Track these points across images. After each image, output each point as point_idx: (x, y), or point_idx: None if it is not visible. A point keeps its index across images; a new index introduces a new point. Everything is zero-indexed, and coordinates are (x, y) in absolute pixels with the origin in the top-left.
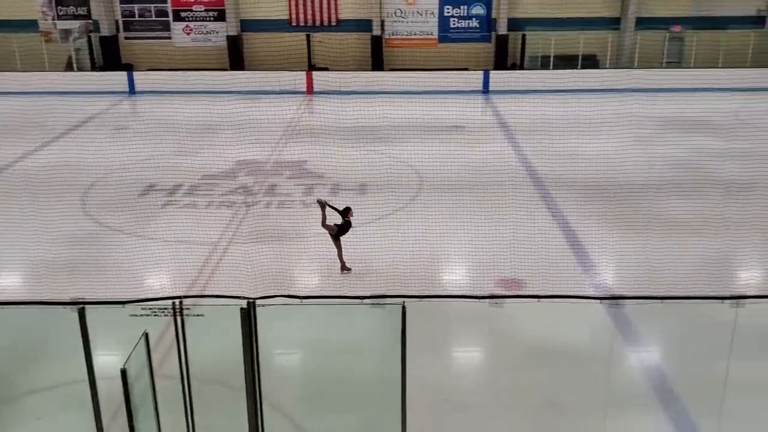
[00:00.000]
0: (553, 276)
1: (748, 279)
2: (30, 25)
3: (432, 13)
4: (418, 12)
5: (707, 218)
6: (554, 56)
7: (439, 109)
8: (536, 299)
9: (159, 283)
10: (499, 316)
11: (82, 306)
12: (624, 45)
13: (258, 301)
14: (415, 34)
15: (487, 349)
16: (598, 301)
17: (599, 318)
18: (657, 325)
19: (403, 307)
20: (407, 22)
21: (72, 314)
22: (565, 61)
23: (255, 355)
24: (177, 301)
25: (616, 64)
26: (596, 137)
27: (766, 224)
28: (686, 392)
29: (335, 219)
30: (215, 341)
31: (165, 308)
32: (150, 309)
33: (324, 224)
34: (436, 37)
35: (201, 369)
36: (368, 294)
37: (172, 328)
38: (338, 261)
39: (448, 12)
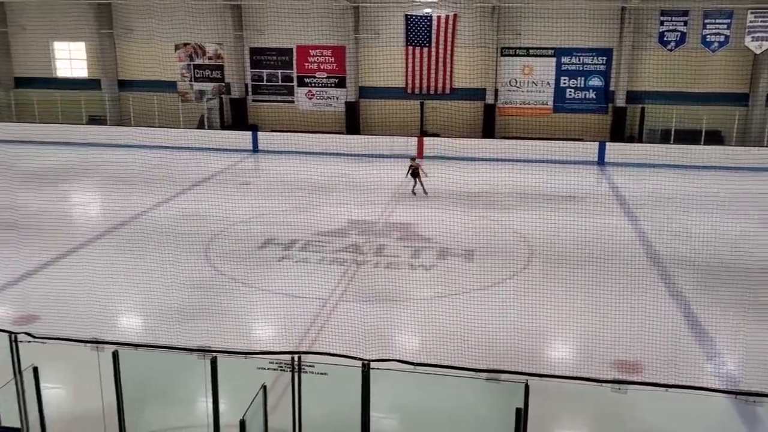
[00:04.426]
0: (674, 363)
1: None
2: (169, 86)
3: (548, 83)
4: (533, 82)
5: None
6: (675, 130)
7: (552, 178)
8: (663, 388)
9: (272, 334)
10: (618, 402)
11: (214, 356)
12: (753, 122)
13: (372, 364)
14: (529, 103)
15: None
16: (734, 396)
17: (726, 413)
18: None
19: (527, 386)
20: (522, 91)
21: (197, 360)
22: (687, 136)
23: (368, 417)
24: (296, 357)
25: (743, 142)
26: (721, 216)
27: None
28: None
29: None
30: (326, 398)
31: (286, 363)
32: (276, 363)
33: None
34: (551, 106)
35: (312, 425)
36: (483, 368)
37: (283, 380)
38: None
39: (565, 83)
